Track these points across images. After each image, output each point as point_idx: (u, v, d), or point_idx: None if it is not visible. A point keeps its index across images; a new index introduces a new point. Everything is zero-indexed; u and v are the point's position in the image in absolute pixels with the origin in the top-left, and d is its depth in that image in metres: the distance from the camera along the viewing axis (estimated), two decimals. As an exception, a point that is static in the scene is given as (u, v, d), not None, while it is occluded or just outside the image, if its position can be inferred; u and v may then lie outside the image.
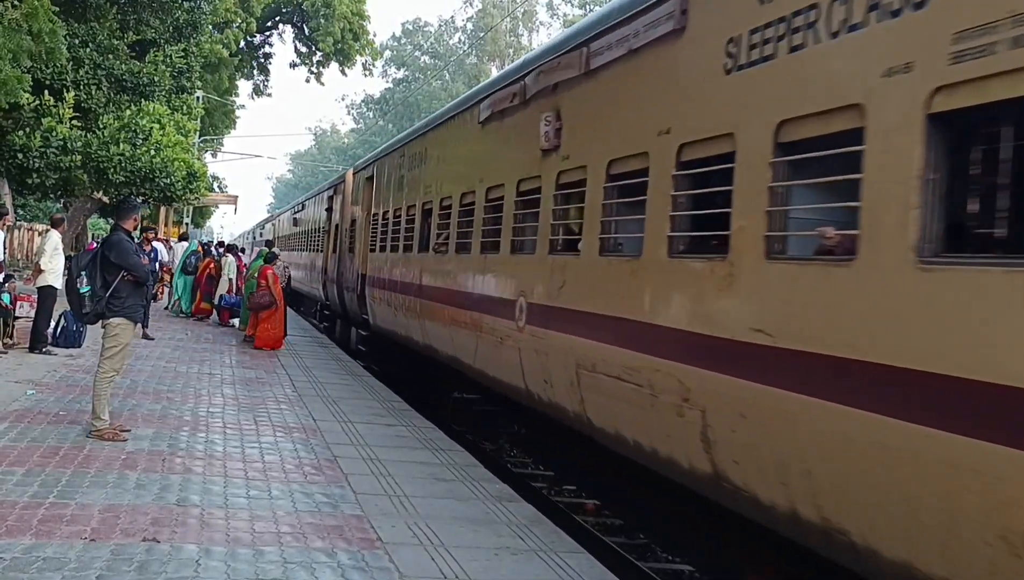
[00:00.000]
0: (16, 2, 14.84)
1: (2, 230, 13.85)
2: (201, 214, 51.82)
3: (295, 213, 33.17)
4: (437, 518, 6.45)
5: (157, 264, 19.25)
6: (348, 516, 6.33)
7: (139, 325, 8.46)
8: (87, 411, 8.32)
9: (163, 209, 34.34)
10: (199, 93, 32.63)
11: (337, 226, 21.05)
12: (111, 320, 8.04)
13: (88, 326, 11.99)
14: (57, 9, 15.58)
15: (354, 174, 20.09)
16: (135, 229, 8.58)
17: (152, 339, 15.73)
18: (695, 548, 7.57)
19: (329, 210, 22.74)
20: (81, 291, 7.95)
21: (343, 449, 8.55)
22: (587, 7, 65.03)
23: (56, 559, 4.91)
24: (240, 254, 22.82)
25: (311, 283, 25.78)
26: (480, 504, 7.03)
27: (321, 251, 23.59)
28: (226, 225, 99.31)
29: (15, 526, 5.39)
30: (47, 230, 14.50)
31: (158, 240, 21.17)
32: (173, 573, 4.90)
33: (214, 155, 51.05)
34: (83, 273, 7.96)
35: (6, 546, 5.04)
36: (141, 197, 22.67)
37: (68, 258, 12.72)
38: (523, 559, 5.79)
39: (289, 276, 25.05)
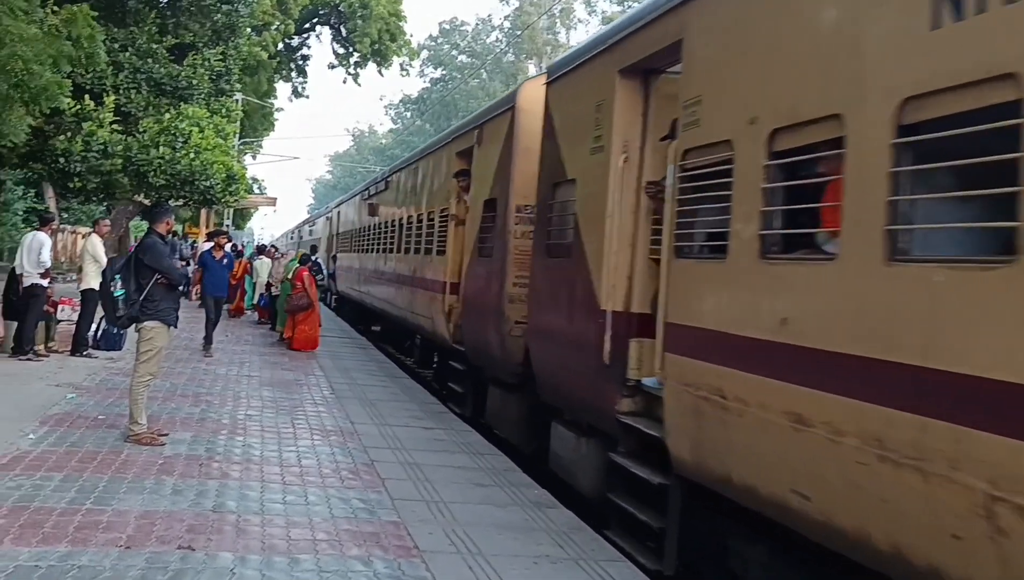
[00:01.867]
0: (56, 8, 14.99)
1: (49, 236, 14.00)
2: (241, 216, 52.44)
3: (369, 197, 22.65)
4: (475, 525, 6.34)
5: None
6: (385, 523, 6.23)
7: (172, 328, 8.43)
8: (126, 415, 8.31)
9: (204, 212, 34.63)
10: (238, 96, 32.78)
11: (489, 204, 10.95)
12: (145, 323, 8.07)
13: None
14: (96, 14, 15.69)
15: (551, 84, 8.95)
16: (168, 232, 8.59)
17: (211, 356, 14.89)
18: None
19: (463, 176, 12.67)
20: (115, 294, 7.98)
21: (380, 453, 8.47)
22: (625, 3, 64.66)
23: (91, 567, 4.87)
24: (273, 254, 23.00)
25: (410, 307, 15.64)
26: (519, 510, 6.90)
27: (434, 253, 13.84)
28: (266, 226, 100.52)
29: (52, 533, 5.36)
30: (89, 233, 14.61)
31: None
32: (207, 583, 4.84)
33: (253, 157, 51.51)
34: (117, 277, 8.00)
35: (42, 554, 5.01)
36: (182, 200, 22.83)
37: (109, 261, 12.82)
38: (563, 568, 5.65)
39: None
